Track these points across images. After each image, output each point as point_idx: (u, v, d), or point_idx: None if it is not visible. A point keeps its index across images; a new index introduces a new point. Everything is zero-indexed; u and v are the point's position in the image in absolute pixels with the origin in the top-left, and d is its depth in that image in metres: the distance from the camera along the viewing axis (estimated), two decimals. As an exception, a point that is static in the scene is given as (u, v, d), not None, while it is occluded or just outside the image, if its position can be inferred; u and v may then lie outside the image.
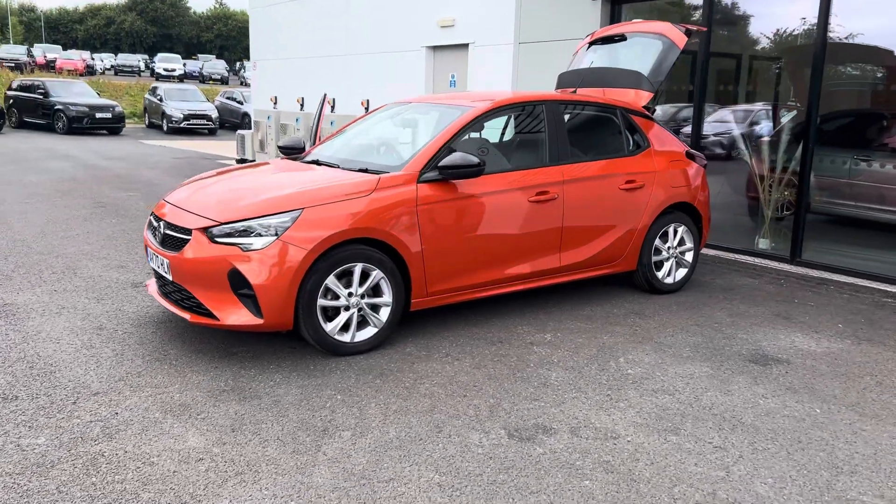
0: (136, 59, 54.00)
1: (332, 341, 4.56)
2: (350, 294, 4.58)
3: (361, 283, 4.61)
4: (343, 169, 5.07)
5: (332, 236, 4.42)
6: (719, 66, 8.25)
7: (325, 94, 7.28)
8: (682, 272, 6.28)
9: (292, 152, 6.04)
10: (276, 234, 4.33)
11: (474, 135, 5.60)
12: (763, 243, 8.01)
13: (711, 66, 8.11)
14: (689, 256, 6.30)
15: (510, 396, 4.07)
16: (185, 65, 49.50)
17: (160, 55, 52.88)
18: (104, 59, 53.81)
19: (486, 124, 5.53)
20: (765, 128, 8.02)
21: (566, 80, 6.95)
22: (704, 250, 7.99)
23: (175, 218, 4.71)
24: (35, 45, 60.18)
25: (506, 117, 5.60)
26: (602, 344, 4.93)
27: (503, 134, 5.99)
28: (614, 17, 9.02)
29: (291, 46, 15.12)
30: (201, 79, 47.93)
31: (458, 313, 5.50)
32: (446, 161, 4.83)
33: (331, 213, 4.47)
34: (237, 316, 4.37)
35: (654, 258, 6.07)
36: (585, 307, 5.77)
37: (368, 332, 4.70)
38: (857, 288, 6.56)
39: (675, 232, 6.17)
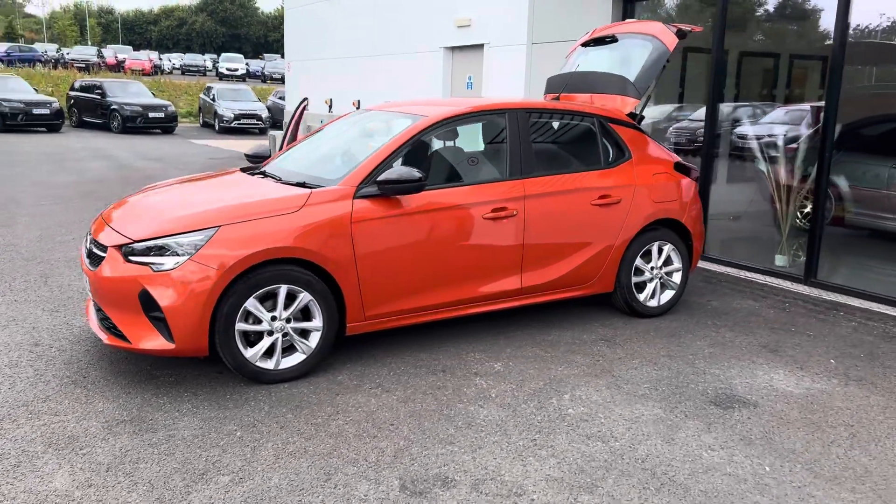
0: (202, 59, 55.22)
1: (254, 368, 4.27)
2: (273, 318, 4.27)
3: (288, 306, 4.30)
4: (283, 182, 4.77)
5: (250, 256, 4.12)
6: (733, 64, 7.64)
7: (306, 99, 7.03)
8: (668, 294, 5.77)
9: (256, 160, 5.79)
10: (189, 254, 4.06)
11: (452, 143, 5.22)
12: (780, 260, 7.39)
13: (725, 64, 7.52)
14: (676, 277, 5.78)
15: (424, 438, 3.70)
16: (247, 64, 50.31)
17: (224, 55, 53.91)
18: (172, 59, 55.16)
19: (458, 132, 5.16)
20: (779, 132, 7.38)
21: (554, 84, 6.51)
22: (714, 267, 7.42)
23: (98, 233, 4.51)
24: (108, 45, 62.20)
25: (464, 127, 5.20)
26: (553, 376, 4.50)
27: (457, 145, 5.58)
28: (626, 16, 8.49)
29: (323, 47, 14.98)
30: (263, 78, 48.63)
31: (410, 337, 5.15)
32: (385, 175, 4.49)
33: (251, 231, 4.17)
34: (149, 340, 4.13)
35: (635, 279, 5.58)
36: (552, 331, 5.33)
37: (295, 359, 4.40)
38: (870, 314, 5.92)
39: (660, 251, 5.67)
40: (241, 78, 46.78)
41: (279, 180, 4.85)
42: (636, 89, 5.74)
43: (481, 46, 10.57)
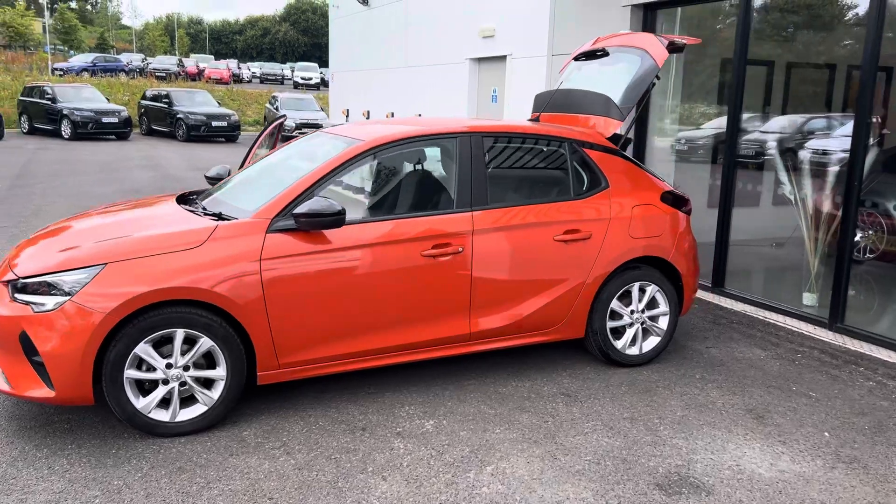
0: (280, 68, 56.20)
1: (146, 420, 3.86)
2: (169, 365, 3.84)
3: (187, 352, 3.86)
4: (199, 213, 4.35)
5: (138, 297, 3.71)
6: (756, 73, 6.86)
7: (284, 116, 6.65)
8: (652, 342, 5.09)
9: (215, 182, 5.42)
10: (70, 294, 3.68)
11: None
12: (809, 299, 6.56)
13: (748, 73, 6.74)
14: (662, 322, 5.09)
15: (296, 519, 3.19)
16: (321, 73, 50.87)
17: (300, 64, 54.73)
18: (251, 68, 56.33)
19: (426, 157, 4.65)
20: (806, 147, 6.56)
21: (539, 102, 5.90)
22: (731, 304, 6.64)
23: (1, 266, 4.20)
24: (192, 55, 64.12)
25: (407, 153, 4.66)
26: (485, 441, 3.92)
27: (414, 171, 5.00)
28: (646, 26, 7.79)
29: (362, 58, 14.72)
30: (335, 87, 48.98)
31: (345, 385, 4.69)
32: (301, 208, 4.03)
33: (143, 269, 3.77)
34: (32, 386, 3.78)
35: (612, 323, 4.92)
36: (511, 381, 4.74)
37: (196, 411, 3.97)
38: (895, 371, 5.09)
39: (642, 292, 4.99)
40: (316, 86, 47.27)
41: (204, 211, 4.43)
42: (619, 110, 5.08)
43: (504, 58, 10.01)
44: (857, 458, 3.86)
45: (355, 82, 15.23)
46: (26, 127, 24.49)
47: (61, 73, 38.95)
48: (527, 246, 4.59)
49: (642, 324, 5.05)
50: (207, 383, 4.01)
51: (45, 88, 24.29)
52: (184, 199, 4.86)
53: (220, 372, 3.97)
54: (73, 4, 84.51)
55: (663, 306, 5.08)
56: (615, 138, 5.20)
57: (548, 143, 4.93)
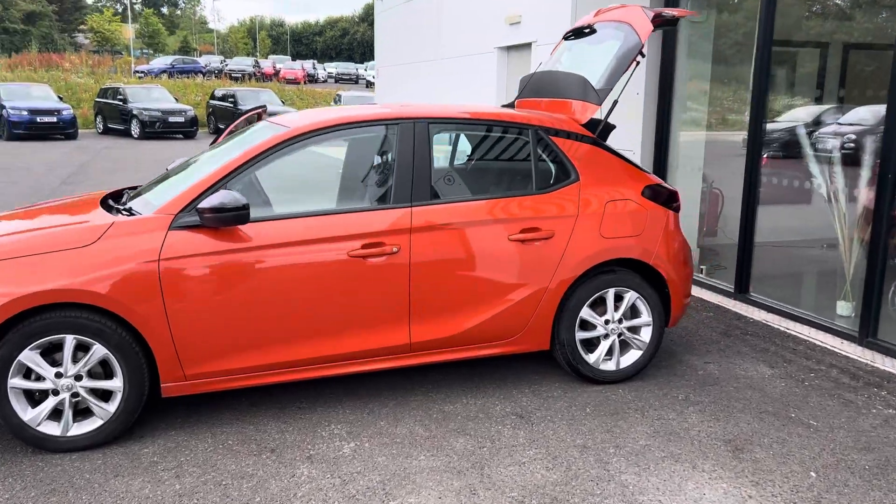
0: (354, 68, 56.60)
1: (34, 434, 3.54)
2: (59, 374, 3.49)
3: (78, 360, 3.51)
4: (115, 209, 4.01)
5: (19, 299, 3.39)
6: (783, 57, 6.08)
7: (263, 107, 6.26)
8: (632, 356, 4.47)
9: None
10: (-54, 298, 3.38)
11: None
12: (843, 308, 5.77)
13: (776, 56, 5.98)
14: (645, 334, 4.46)
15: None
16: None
17: (370, 63, 54.93)
18: (327, 68, 56.94)
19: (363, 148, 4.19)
20: (839, 138, 5.76)
21: (521, 86, 5.33)
22: (755, 313, 5.91)
23: None
24: (270, 56, 65.35)
25: (339, 142, 4.19)
26: (400, 471, 3.42)
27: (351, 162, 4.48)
28: (670, 6, 7.08)
29: (402, 51, 14.35)
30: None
31: (276, 397, 4.27)
32: (205, 202, 3.61)
33: (23, 270, 3.44)
34: (-87, 394, 3.48)
35: (582, 335, 4.34)
36: (461, 398, 4.23)
37: (91, 424, 3.63)
38: (925, 397, 4.31)
39: (619, 299, 4.38)
40: (386, 85, 47.27)
41: (113, 207, 4.07)
42: (597, 93, 4.47)
43: (530, 45, 9.42)
44: (842, 507, 3.17)
45: (397, 76, 14.89)
46: (101, 127, 25.22)
47: (142, 75, 40.17)
48: (476, 246, 4.05)
49: (620, 335, 4.43)
50: (105, 395, 3.64)
51: (118, 89, 24.92)
52: (117, 196, 4.51)
53: (116, 383, 3.61)
54: (164, 10, 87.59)
55: (646, 316, 4.45)
56: (593, 125, 4.59)
57: (507, 131, 4.37)
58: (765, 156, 6.43)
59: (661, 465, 3.51)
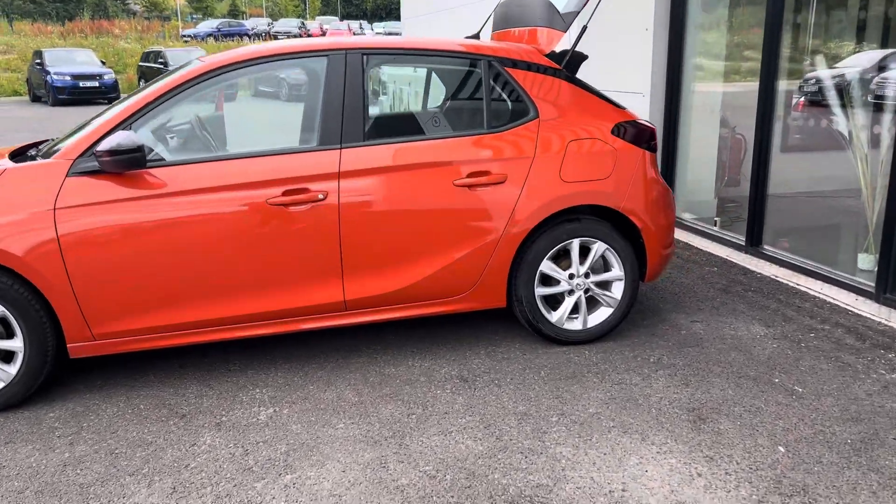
0: (401, 27, 55.82)
1: (-67, 397, 3.29)
2: (-48, 334, 3.25)
3: (-28, 320, 3.26)
4: (30, 156, 3.71)
5: None
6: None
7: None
8: (601, 314, 4.01)
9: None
10: None
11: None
12: (865, 261, 5.17)
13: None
14: (616, 290, 3.99)
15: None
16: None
17: (419, 21, 54.05)
18: (375, 28, 56.33)
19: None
20: (864, 77, 5.11)
21: (493, 17, 4.84)
22: (765, 268, 5.34)
23: None
24: (318, 17, 64.99)
25: (260, 77, 3.78)
26: (311, 440, 3.08)
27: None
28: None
29: (417, 4, 13.80)
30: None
31: (213, 357, 3.97)
32: (102, 145, 3.28)
33: None
34: None
35: (543, 290, 3.90)
36: (408, 360, 3.88)
37: (-9, 387, 3.35)
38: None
39: (586, 251, 3.92)
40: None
41: (36, 156, 3.77)
42: (562, 18, 3.96)
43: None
44: (806, 488, 2.70)
45: (419, 28, 14.36)
46: (144, 90, 25.17)
47: (188, 39, 40.30)
48: (416, 193, 3.63)
49: (587, 291, 3.97)
50: (8, 356, 3.37)
51: (160, 53, 24.85)
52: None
53: (16, 343, 3.33)
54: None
55: (617, 270, 3.97)
56: (560, 56, 4.08)
57: (456, 63, 3.90)
58: (800, 100, 5.80)
59: (605, 436, 3.07)
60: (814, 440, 3.03)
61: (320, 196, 3.51)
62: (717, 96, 6.66)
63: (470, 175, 3.70)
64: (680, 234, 6.38)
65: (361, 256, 3.63)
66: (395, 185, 3.61)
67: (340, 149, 3.58)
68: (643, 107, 6.80)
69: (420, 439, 3.08)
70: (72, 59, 23.21)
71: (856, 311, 4.49)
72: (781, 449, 2.96)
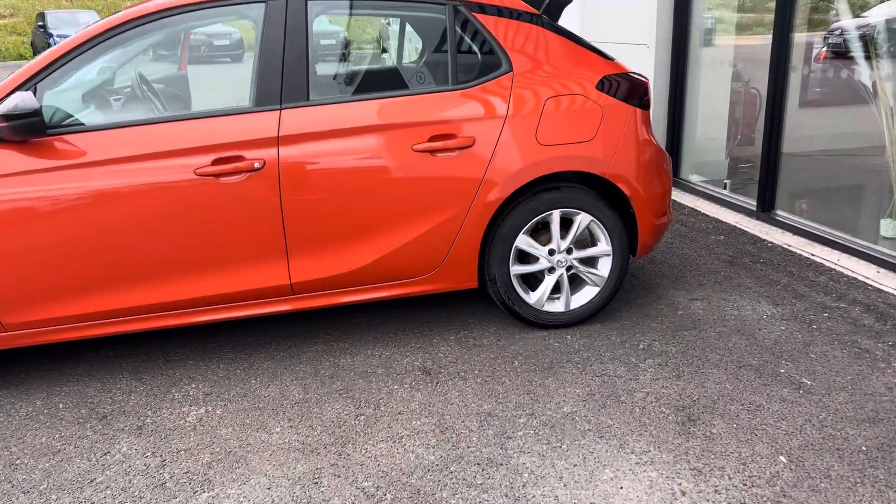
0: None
1: None
2: None
3: None
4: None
5: None
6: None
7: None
8: (587, 293, 3.56)
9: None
10: None
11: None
12: (888, 228, 4.66)
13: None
14: (602, 267, 3.53)
15: None
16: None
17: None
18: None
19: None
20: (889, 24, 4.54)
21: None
22: (777, 234, 4.86)
23: None
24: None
25: (183, 30, 3.32)
26: (238, 449, 2.69)
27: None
28: None
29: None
30: None
31: (159, 342, 3.53)
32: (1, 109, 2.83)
33: None
34: None
35: (520, 268, 3.44)
36: (367, 348, 3.47)
37: None
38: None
39: (569, 224, 3.45)
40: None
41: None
42: (541, -45, 3.44)
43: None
44: (810, 512, 2.25)
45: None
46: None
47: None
48: (370, 159, 3.17)
49: (569, 269, 3.50)
50: (-90, 349, 2.98)
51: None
52: None
53: (-87, 335, 2.93)
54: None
55: (604, 244, 3.50)
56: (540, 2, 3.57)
57: (416, 9, 3.40)
58: (822, 50, 5.24)
59: (578, 442, 2.64)
60: (822, 447, 2.57)
61: (256, 165, 3.06)
62: (729, 47, 6.09)
63: (432, 138, 3.22)
64: (686, 199, 5.88)
65: (308, 234, 3.19)
66: (344, 152, 3.15)
67: (280, 110, 3.12)
68: (648, 60, 6.25)
69: (364, 447, 2.67)
70: (75, 20, 22.75)
71: (877, 285, 3.99)
72: (783, 459, 2.51)
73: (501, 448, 2.63)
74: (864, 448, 2.57)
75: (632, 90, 3.48)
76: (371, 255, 3.28)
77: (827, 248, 4.63)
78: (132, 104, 3.51)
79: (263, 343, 3.53)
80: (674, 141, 6.30)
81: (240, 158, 3.06)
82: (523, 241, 3.42)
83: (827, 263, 4.35)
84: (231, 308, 3.24)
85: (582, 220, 3.44)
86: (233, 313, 3.24)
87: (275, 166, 3.09)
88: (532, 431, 2.73)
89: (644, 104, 3.51)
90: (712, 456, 2.55)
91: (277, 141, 3.08)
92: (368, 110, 3.19)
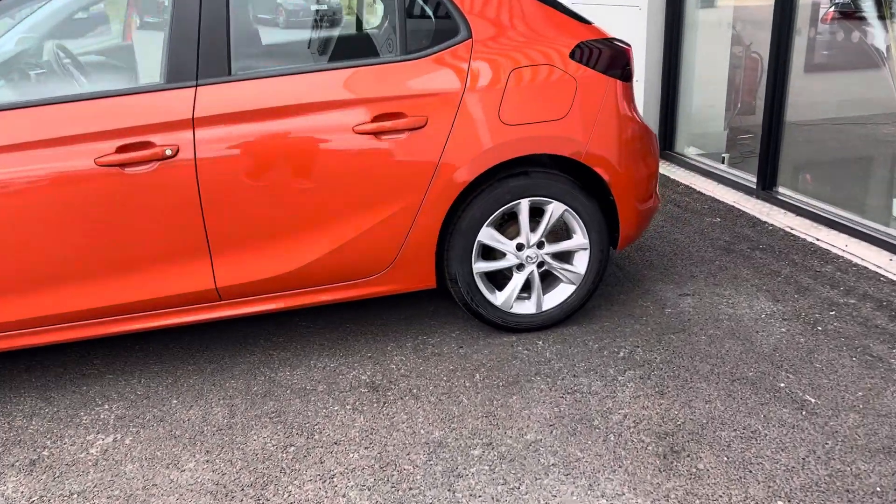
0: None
1: None
2: None
3: None
4: None
5: None
6: None
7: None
8: (561, 293, 3.13)
9: None
10: None
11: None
12: (901, 209, 4.21)
13: None
14: (579, 262, 3.09)
15: None
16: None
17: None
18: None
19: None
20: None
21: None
22: (778, 216, 4.43)
23: None
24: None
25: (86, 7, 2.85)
26: (133, 494, 2.28)
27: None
28: None
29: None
30: None
31: (75, 352, 3.11)
32: None
33: None
34: None
35: (484, 266, 3.01)
36: (311, 359, 3.07)
37: None
38: None
39: (539, 215, 3.00)
40: None
41: None
42: None
43: None
44: None
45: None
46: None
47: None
48: (304, 144, 2.72)
49: (540, 265, 3.06)
50: None
51: None
52: None
53: None
54: None
55: (580, 237, 3.06)
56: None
57: (357, -33, 2.91)
58: (829, 11, 4.75)
59: (540, 481, 2.22)
60: (828, 488, 2.15)
61: (168, 152, 2.61)
62: (728, 8, 5.58)
63: (377, 118, 2.76)
64: (681, 175, 5.42)
65: (233, 232, 2.75)
66: (273, 135, 2.69)
67: (196, 87, 2.65)
68: (639, 22, 5.74)
69: (288, 489, 2.25)
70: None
71: (890, 276, 3.56)
72: (782, 505, 2.09)
73: (449, 490, 2.22)
74: (878, 488, 2.15)
75: (612, 59, 3.01)
76: (309, 254, 2.84)
77: (833, 232, 4.18)
78: (47, 82, 3.04)
79: (195, 352, 3.11)
80: (668, 111, 5.83)
81: (148, 145, 2.60)
82: (487, 235, 2.98)
83: (834, 250, 3.91)
84: (147, 317, 2.81)
85: (554, 209, 3.00)
86: (149, 323, 2.81)
87: (190, 153, 2.64)
88: (487, 467, 2.31)
89: (626, 75, 3.04)
90: (697, 501, 2.13)
91: (193, 123, 2.63)
92: (301, 86, 2.73)
